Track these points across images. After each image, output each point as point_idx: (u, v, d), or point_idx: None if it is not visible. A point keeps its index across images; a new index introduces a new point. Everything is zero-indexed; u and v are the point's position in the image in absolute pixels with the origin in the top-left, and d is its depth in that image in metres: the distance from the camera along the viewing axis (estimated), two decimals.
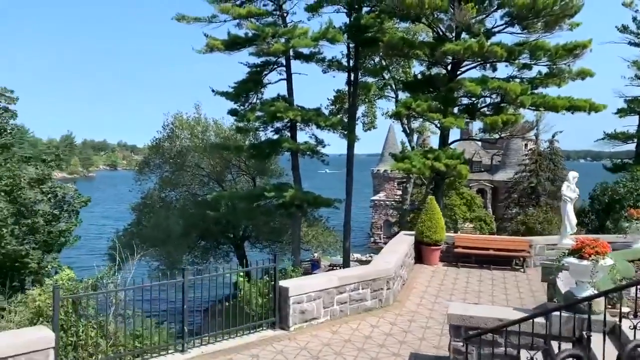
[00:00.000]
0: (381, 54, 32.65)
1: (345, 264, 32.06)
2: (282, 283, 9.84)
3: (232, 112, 30.81)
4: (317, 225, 38.20)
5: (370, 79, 35.07)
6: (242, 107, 30.97)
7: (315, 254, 43.67)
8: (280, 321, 9.75)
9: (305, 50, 30.03)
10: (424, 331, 10.01)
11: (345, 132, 30.92)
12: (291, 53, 29.85)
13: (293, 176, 31.58)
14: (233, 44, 28.72)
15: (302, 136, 36.78)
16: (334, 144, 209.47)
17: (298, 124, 30.67)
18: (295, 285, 9.83)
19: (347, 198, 31.81)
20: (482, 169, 66.16)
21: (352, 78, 31.76)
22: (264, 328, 9.67)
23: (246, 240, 41.17)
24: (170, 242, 34.91)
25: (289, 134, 31.20)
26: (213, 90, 30.22)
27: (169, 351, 8.50)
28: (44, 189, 14.47)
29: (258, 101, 31.06)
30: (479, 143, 61.36)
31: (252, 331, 9.45)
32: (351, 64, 31.48)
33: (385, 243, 63.89)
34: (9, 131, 14.87)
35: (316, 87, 41.85)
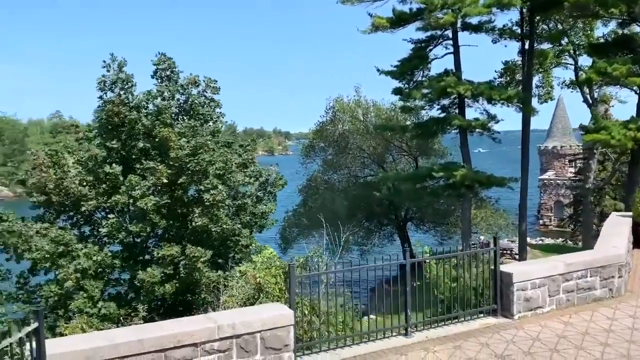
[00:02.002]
0: (558, 17, 29.55)
1: (521, 249, 29.91)
2: (504, 268, 9.04)
3: (396, 91, 30.15)
4: (486, 206, 36.25)
5: (545, 46, 31.92)
6: (406, 86, 30.20)
7: (482, 237, 41.60)
8: (502, 309, 8.97)
9: (474, 20, 28.26)
10: None
11: (521, 106, 28.53)
12: (458, 24, 28.28)
13: (462, 155, 30.06)
14: (398, 20, 27.96)
15: (470, 112, 34.86)
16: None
17: (467, 99, 29.08)
18: (519, 271, 8.95)
19: (523, 177, 29.54)
20: None
21: (526, 46, 29.19)
22: (484, 315, 8.97)
23: (409, 222, 40.67)
24: (336, 222, 35.63)
25: (456, 110, 29.78)
26: (378, 70, 29.78)
27: (393, 334, 8.21)
28: (247, 172, 15.38)
29: (423, 78, 30.04)
30: None
31: (472, 317, 8.82)
32: (525, 31, 28.92)
33: (557, 226, 58.74)
34: (214, 119, 16.03)
35: (476, 61, 39.49)
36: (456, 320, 8.69)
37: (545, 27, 33.00)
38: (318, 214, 38.02)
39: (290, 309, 7.19)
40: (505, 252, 38.65)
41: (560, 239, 49.04)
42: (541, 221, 60.09)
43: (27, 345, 5.55)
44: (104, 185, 14.65)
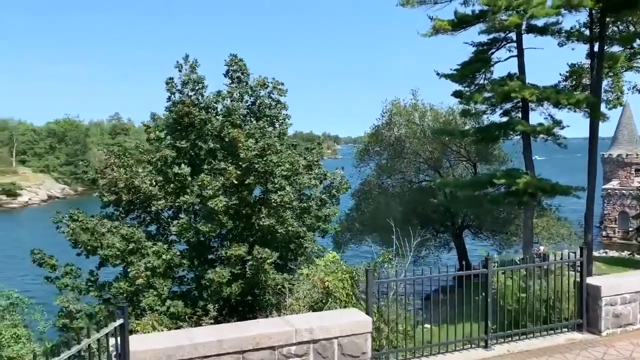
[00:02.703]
0: (630, 18, 28.07)
1: (588, 261, 28.45)
2: (591, 281, 8.46)
3: (456, 94, 29.46)
4: (547, 215, 34.80)
5: (616, 49, 30.36)
6: (467, 89, 29.44)
7: (542, 247, 40.00)
8: (588, 324, 8.40)
9: (540, 22, 27.25)
10: None
11: (589, 111, 27.25)
12: (523, 26, 27.33)
13: (525, 161, 28.97)
14: (460, 22, 27.29)
15: (533, 117, 33.57)
16: None
17: (531, 103, 28.04)
18: (609, 285, 8.36)
19: (589, 185, 28.17)
20: None
21: (595, 49, 27.86)
22: (568, 330, 8.43)
23: (465, 230, 39.63)
24: (390, 228, 35.15)
25: (519, 115, 28.78)
26: (437, 73, 29.17)
27: (472, 346, 7.82)
28: (312, 174, 15.31)
29: (485, 81, 29.20)
30: None
31: (555, 332, 8.30)
32: (595, 33, 27.61)
33: (621, 238, 55.97)
34: (280, 121, 16.05)
35: (537, 64, 38.10)
36: (539, 333, 8.19)
37: (615, 29, 31.42)
38: (372, 218, 37.78)
39: (367, 315, 6.96)
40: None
41: (626, 251, 46.54)
42: (604, 232, 57.20)
43: (111, 340, 5.61)
44: (171, 185, 14.89)
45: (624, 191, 55.56)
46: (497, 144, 33.32)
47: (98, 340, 5.29)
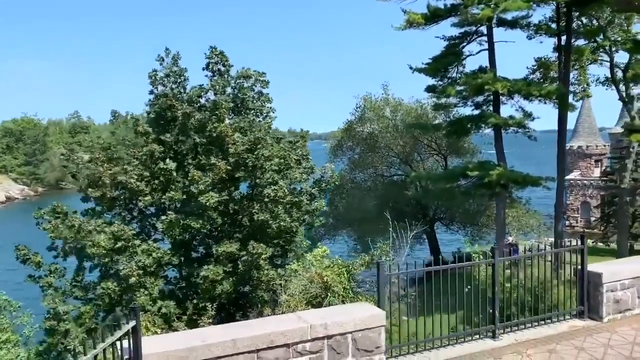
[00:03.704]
0: (595, 12, 28.87)
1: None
2: (592, 268, 8.54)
3: (430, 89, 29.65)
4: (517, 206, 35.52)
5: (581, 42, 31.20)
6: (440, 83, 29.69)
7: (511, 238, 40.86)
8: (590, 311, 8.48)
9: (509, 16, 27.72)
10: None
11: (558, 102, 27.87)
12: (494, 20, 27.71)
13: (497, 153, 29.45)
14: (433, 16, 27.45)
15: (504, 110, 34.12)
16: None
17: (502, 96, 28.51)
18: (609, 271, 8.45)
19: (559, 176, 28.86)
20: None
21: (562, 42, 28.53)
22: (570, 317, 8.51)
23: (437, 222, 40.08)
24: (364, 222, 35.25)
25: (490, 108, 29.23)
26: (411, 68, 29.24)
27: (480, 336, 7.78)
28: (301, 169, 15.03)
29: (457, 75, 29.51)
30: None
31: (559, 320, 8.35)
32: (561, 27, 28.28)
33: (583, 227, 57.78)
34: (264, 114, 15.67)
35: (503, 58, 38.77)
36: (542, 322, 8.22)
37: (579, 22, 32.27)
38: (345, 213, 37.76)
39: (380, 308, 6.80)
40: None
41: (589, 240, 48.02)
42: (567, 222, 58.93)
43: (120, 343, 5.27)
44: (156, 181, 14.35)
45: (585, 182, 57.36)
46: (467, 137, 33.74)
47: (113, 343, 4.97)
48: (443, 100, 29.86)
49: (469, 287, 8.31)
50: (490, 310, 7.82)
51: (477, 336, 7.77)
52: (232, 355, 5.91)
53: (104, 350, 4.83)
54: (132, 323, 5.28)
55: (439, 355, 7.28)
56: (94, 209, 14.78)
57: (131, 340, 5.33)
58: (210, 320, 10.92)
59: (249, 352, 5.99)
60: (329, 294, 9.36)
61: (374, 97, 38.77)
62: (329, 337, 6.38)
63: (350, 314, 6.65)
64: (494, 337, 7.75)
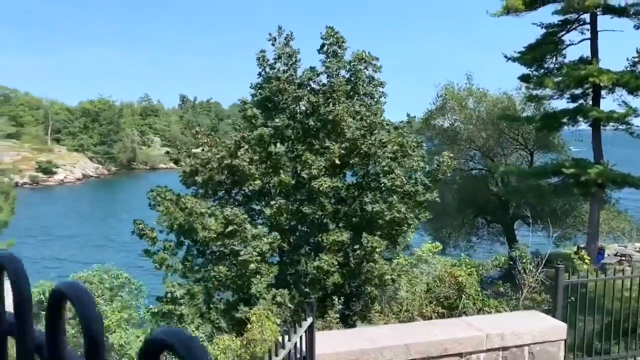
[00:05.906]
0: None
1: None
2: None
3: (524, 78, 28.10)
4: (608, 208, 33.20)
5: None
6: (535, 73, 28.00)
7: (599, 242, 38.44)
8: None
9: (615, 3, 25.65)
10: None
11: None
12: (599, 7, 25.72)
13: (594, 150, 27.54)
14: (533, 2, 25.84)
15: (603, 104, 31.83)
16: None
17: (603, 90, 26.53)
18: None
19: None
20: None
21: None
22: None
23: (517, 221, 38.22)
24: (443, 216, 34.03)
25: (588, 101, 27.31)
26: (506, 56, 27.80)
27: None
28: (418, 157, 14.25)
29: (553, 65, 27.71)
30: None
31: None
32: None
33: None
34: (376, 99, 14.97)
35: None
36: None
37: None
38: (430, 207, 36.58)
39: (558, 319, 6.00)
40: (623, 258, 35.49)
41: None
42: None
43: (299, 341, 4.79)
44: (263, 165, 14.00)
45: None
46: (559, 132, 31.77)
47: (295, 344, 4.47)
48: (537, 91, 28.17)
49: None
50: None
51: None
52: None
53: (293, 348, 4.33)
54: (310, 320, 4.77)
55: None
56: (202, 192, 14.57)
57: (306, 338, 4.82)
58: (338, 317, 10.38)
59: (421, 359, 5.37)
60: (462, 296, 8.60)
61: (457, 86, 37.21)
62: (505, 348, 5.66)
63: (525, 323, 5.89)
64: None
